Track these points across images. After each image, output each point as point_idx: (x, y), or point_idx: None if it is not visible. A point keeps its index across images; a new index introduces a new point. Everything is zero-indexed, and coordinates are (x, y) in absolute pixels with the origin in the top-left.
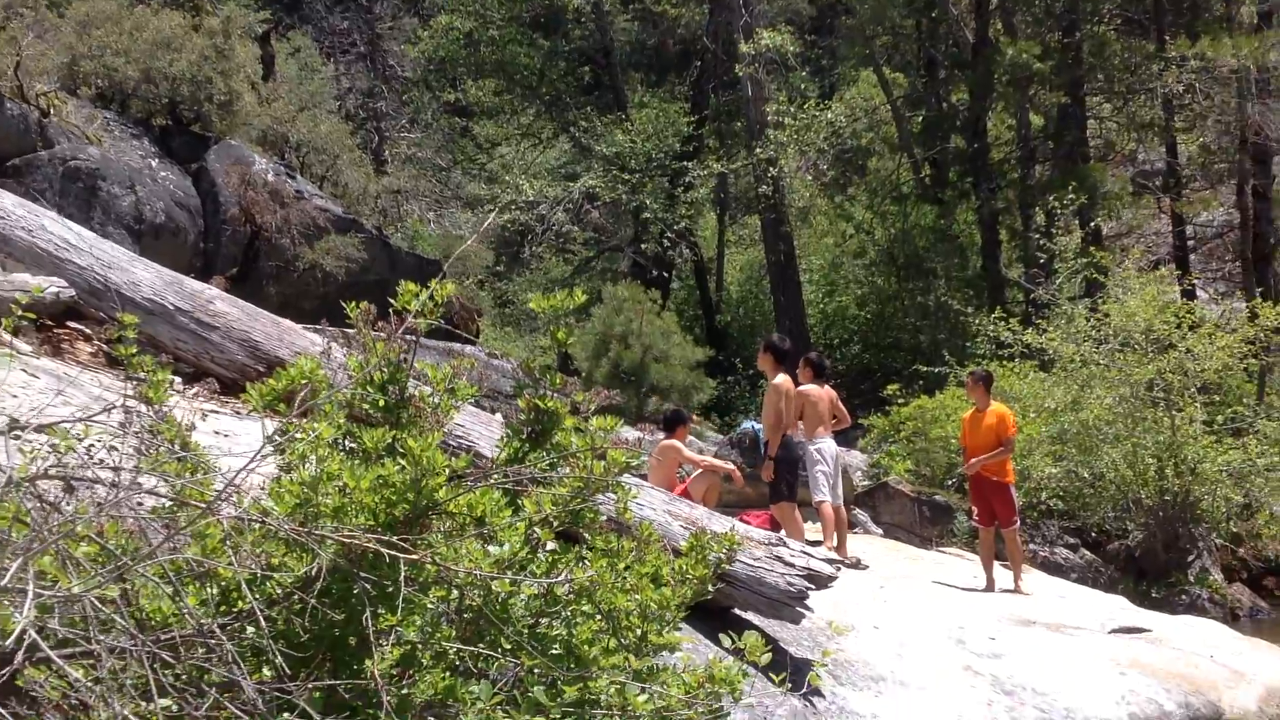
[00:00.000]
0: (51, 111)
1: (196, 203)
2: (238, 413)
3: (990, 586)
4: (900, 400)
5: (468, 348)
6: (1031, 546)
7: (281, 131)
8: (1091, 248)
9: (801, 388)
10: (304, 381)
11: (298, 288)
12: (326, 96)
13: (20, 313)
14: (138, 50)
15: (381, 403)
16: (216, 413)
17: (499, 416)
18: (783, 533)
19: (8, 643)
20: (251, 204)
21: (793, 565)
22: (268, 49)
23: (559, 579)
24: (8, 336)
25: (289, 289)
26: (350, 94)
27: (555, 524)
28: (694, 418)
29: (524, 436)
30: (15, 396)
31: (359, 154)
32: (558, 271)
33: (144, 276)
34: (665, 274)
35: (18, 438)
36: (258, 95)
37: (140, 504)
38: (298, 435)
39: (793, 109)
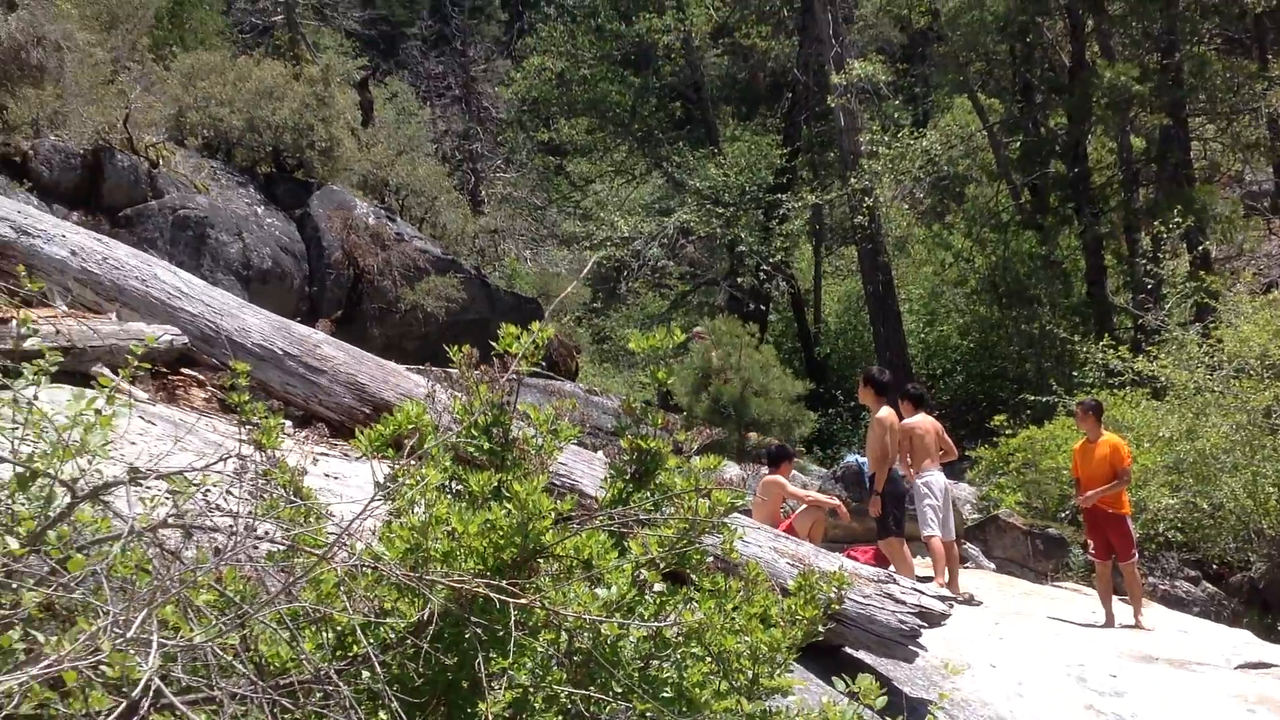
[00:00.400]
0: (160, 162)
1: (301, 247)
2: (346, 455)
3: (1109, 622)
4: (1008, 431)
5: (567, 385)
6: (1150, 580)
7: (381, 175)
8: (1201, 271)
9: (907, 421)
10: (411, 427)
11: (400, 328)
12: (424, 140)
13: (136, 363)
14: (242, 100)
15: (486, 446)
16: (326, 455)
17: (600, 455)
18: (891, 569)
19: (135, 693)
20: (354, 247)
21: (904, 603)
22: (366, 95)
23: (668, 621)
24: (125, 385)
25: (392, 330)
26: (446, 136)
27: (662, 565)
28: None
29: (627, 477)
30: (134, 443)
31: (456, 195)
32: (654, 307)
33: (253, 322)
34: (762, 307)
35: (138, 485)
36: (358, 141)
37: (256, 548)
38: (406, 480)
39: (887, 138)
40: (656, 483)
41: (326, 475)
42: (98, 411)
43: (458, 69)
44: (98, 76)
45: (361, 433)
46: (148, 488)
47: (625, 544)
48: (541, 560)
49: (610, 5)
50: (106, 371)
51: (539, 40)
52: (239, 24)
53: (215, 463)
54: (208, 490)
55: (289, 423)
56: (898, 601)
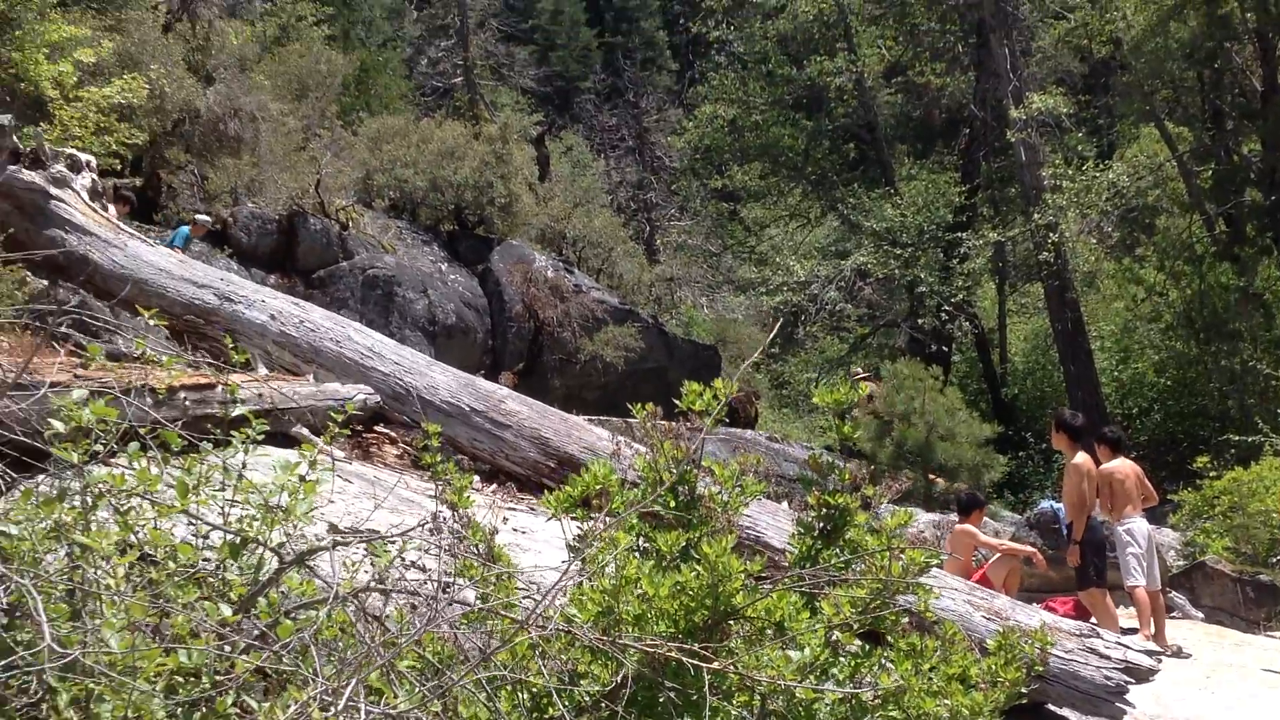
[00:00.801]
0: (350, 224)
1: (483, 302)
2: (533, 509)
3: None
4: (1212, 473)
5: (747, 433)
6: None
7: (559, 228)
8: None
9: (1105, 466)
10: (598, 487)
11: (580, 379)
12: (599, 191)
13: (336, 429)
14: (425, 161)
15: (673, 504)
16: (514, 509)
17: (785, 506)
18: (1094, 621)
19: None
20: (534, 300)
21: (1108, 657)
22: (542, 150)
23: (863, 684)
24: (324, 444)
25: (572, 380)
26: (621, 187)
27: (856, 626)
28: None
29: (816, 534)
30: (332, 502)
31: (632, 245)
32: (833, 350)
33: (441, 380)
34: (945, 348)
35: (338, 544)
36: (535, 195)
37: (451, 606)
38: (595, 539)
39: (1070, 171)
40: (846, 539)
41: (515, 530)
42: (301, 478)
43: (630, 120)
44: (290, 144)
45: (548, 490)
46: (346, 545)
47: (817, 604)
48: (733, 622)
49: (781, 50)
50: (306, 432)
51: (710, 89)
52: (421, 87)
53: (413, 529)
54: (402, 548)
55: (477, 478)
56: (1102, 656)
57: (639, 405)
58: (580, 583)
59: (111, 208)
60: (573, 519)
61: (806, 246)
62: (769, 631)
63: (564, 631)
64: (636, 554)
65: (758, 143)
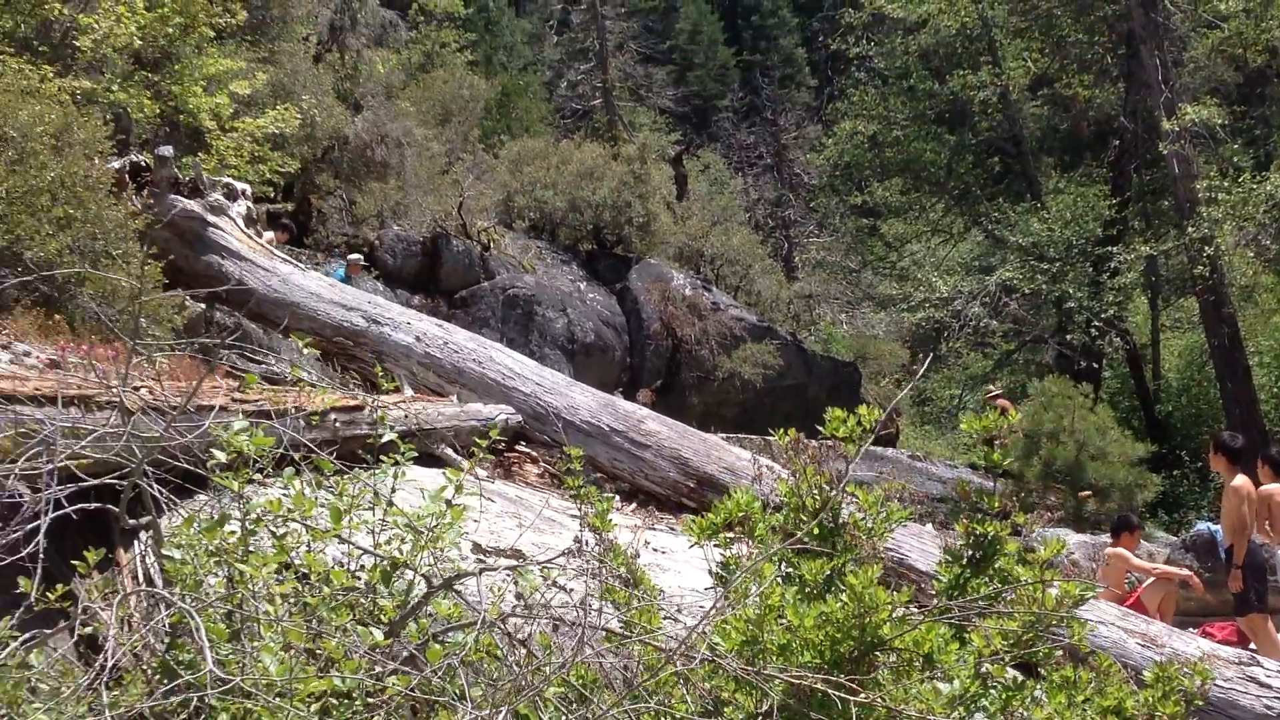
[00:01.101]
0: (491, 245)
1: (621, 320)
2: (673, 529)
3: None
4: None
5: (889, 450)
6: None
7: (696, 246)
8: None
9: (1265, 488)
10: (740, 514)
11: (718, 396)
12: (737, 209)
13: (482, 453)
14: (564, 182)
15: (816, 531)
16: (654, 530)
17: (929, 528)
18: (1253, 648)
19: None
20: (671, 318)
21: (1269, 686)
22: (680, 169)
23: (1015, 718)
24: (466, 465)
25: (710, 398)
26: (759, 204)
27: (1006, 658)
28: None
29: (964, 562)
30: (476, 521)
31: (770, 262)
32: (977, 367)
33: (581, 400)
34: (1094, 364)
35: (484, 569)
36: (673, 214)
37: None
38: (738, 566)
39: (1226, 183)
40: (995, 568)
41: (655, 550)
42: (448, 503)
43: (769, 138)
44: (434, 168)
45: (687, 510)
46: (494, 569)
47: (966, 635)
48: (880, 653)
49: (922, 65)
50: (450, 452)
51: (850, 105)
52: (560, 109)
53: (556, 557)
54: (545, 568)
55: (617, 497)
56: (1262, 685)
57: (780, 431)
58: (724, 611)
59: (269, 234)
60: (715, 546)
61: (949, 262)
62: (917, 663)
63: (708, 660)
64: (780, 580)
65: (899, 158)
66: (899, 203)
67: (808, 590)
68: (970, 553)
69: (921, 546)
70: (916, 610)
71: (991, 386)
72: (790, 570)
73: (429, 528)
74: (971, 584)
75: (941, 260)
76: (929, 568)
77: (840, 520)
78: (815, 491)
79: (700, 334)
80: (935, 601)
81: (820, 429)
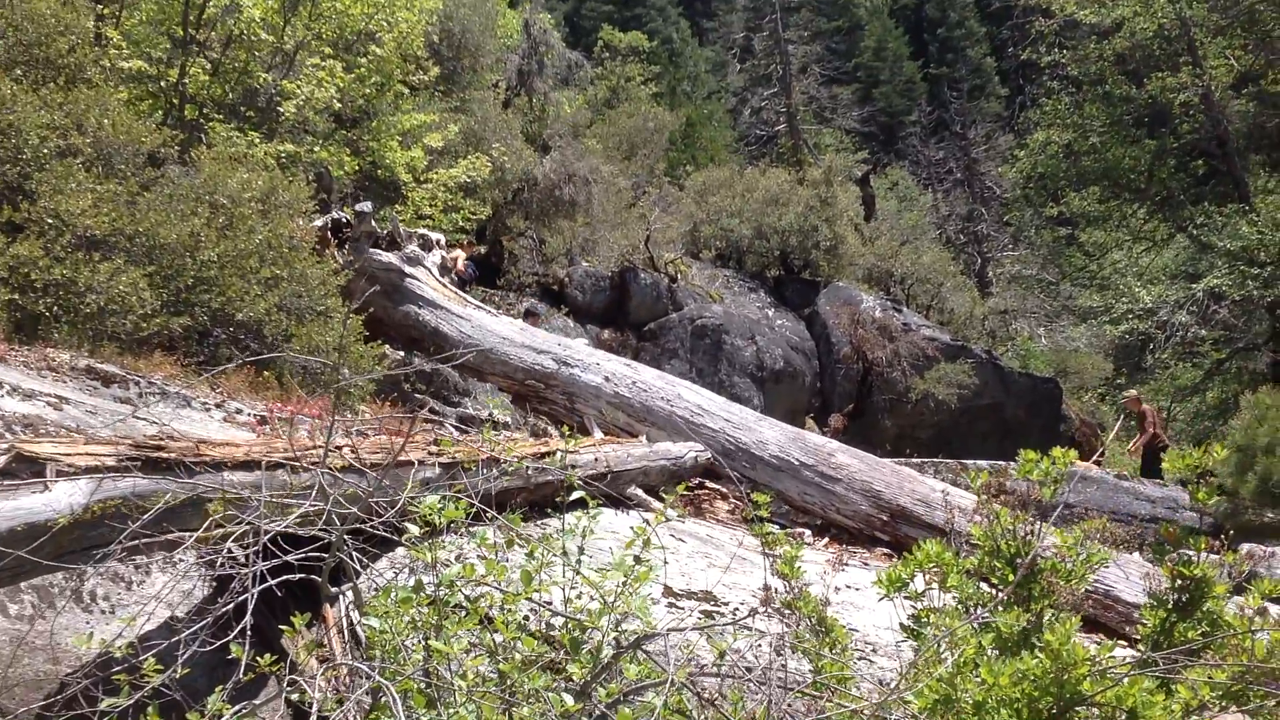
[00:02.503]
0: (678, 276)
1: (810, 345)
2: (866, 564)
3: None
4: None
5: (1092, 470)
6: None
7: (885, 267)
8: None
9: None
10: (931, 564)
11: (911, 418)
12: (927, 226)
13: (674, 500)
14: (750, 209)
15: (1010, 578)
16: (846, 565)
17: (1136, 556)
18: None
19: None
20: (862, 341)
21: None
22: (867, 189)
23: None
24: (658, 508)
25: (903, 420)
26: (950, 220)
27: (1214, 710)
28: None
29: (1170, 606)
30: (666, 562)
31: (962, 278)
32: (1186, 378)
33: (769, 435)
34: None
35: (673, 606)
36: (860, 235)
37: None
38: (929, 620)
39: None
40: (1204, 610)
41: (847, 586)
42: (637, 558)
43: (958, 151)
44: (620, 203)
45: (883, 548)
46: (680, 608)
47: (1171, 686)
48: (1081, 709)
49: (1118, 69)
50: (640, 493)
51: (1043, 114)
52: (744, 137)
53: (745, 617)
54: (736, 610)
55: (808, 531)
56: None
57: (972, 473)
58: (917, 670)
59: (458, 252)
60: (906, 598)
61: (1152, 270)
62: (1120, 718)
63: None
64: (975, 626)
65: (1096, 166)
66: (1097, 211)
67: (1004, 640)
68: (1176, 596)
69: (1124, 575)
70: (1118, 662)
71: (1131, 391)
72: (986, 616)
73: (619, 584)
74: (1178, 629)
75: (1145, 269)
76: (1135, 598)
77: (1037, 569)
78: (1010, 537)
79: (892, 356)
80: (1139, 646)
81: (1020, 450)
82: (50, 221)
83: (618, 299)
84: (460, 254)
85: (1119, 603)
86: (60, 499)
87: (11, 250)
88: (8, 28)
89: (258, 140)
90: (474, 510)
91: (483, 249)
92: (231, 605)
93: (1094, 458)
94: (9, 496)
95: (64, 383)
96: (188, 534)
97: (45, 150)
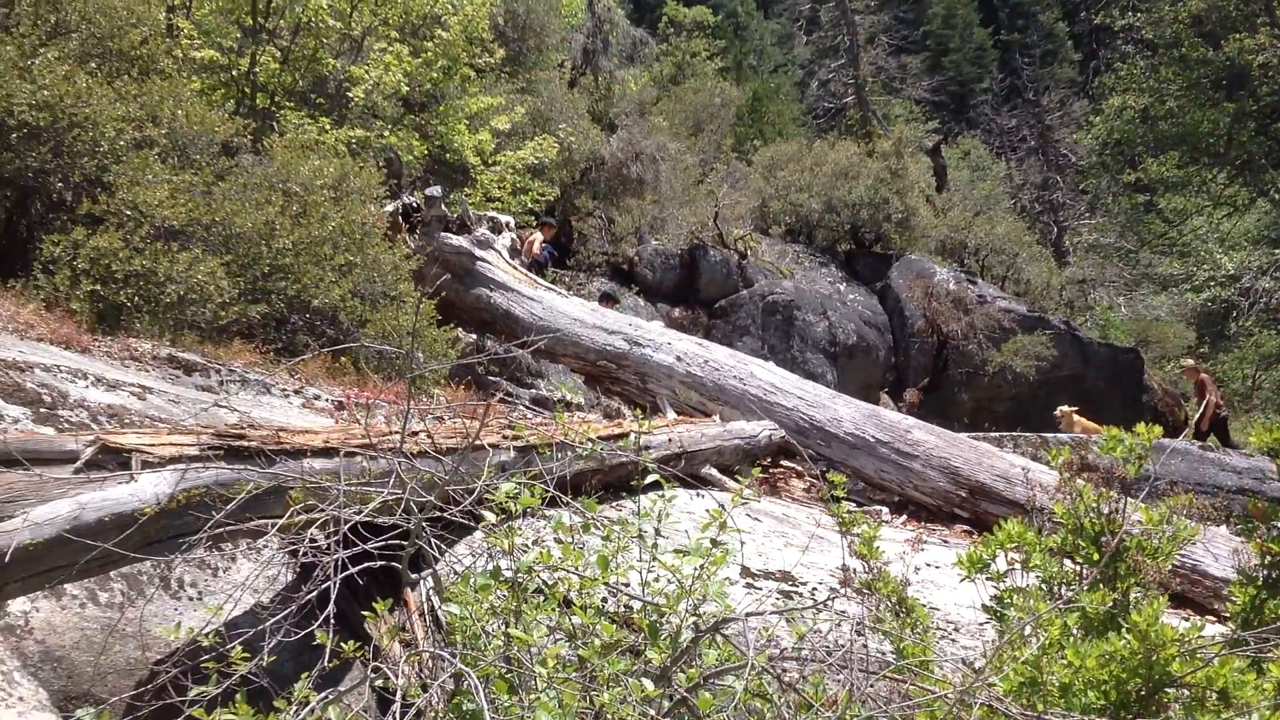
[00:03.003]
0: (748, 252)
1: (884, 319)
2: (945, 541)
3: None
4: None
5: (1176, 442)
6: None
7: (959, 238)
8: None
9: None
10: (1013, 544)
11: (989, 391)
12: (1000, 196)
13: (751, 479)
14: (819, 184)
15: (1095, 557)
16: (924, 543)
17: (1223, 529)
18: None
19: None
20: (936, 314)
21: None
22: (939, 160)
23: None
24: (734, 487)
25: (980, 393)
26: (1024, 189)
27: None
28: None
29: (1260, 584)
30: (743, 542)
31: (1039, 248)
32: (1270, 345)
33: (844, 412)
34: None
35: (751, 587)
36: (932, 207)
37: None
38: (1011, 600)
39: None
40: None
41: (926, 565)
42: (714, 542)
43: (1031, 119)
44: (688, 180)
45: (962, 525)
46: (757, 589)
47: (1263, 666)
48: (1170, 690)
49: (1195, 32)
50: (715, 473)
51: (1118, 79)
52: (812, 110)
53: (824, 602)
54: (814, 589)
55: (885, 509)
56: None
57: (1054, 451)
58: (1000, 648)
59: (536, 234)
60: (988, 579)
61: (1234, 236)
62: (1211, 698)
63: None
64: (1059, 606)
65: (1174, 130)
66: (1176, 177)
67: (1090, 620)
68: (1266, 573)
69: (1214, 550)
70: (1208, 642)
71: (1188, 360)
72: (1070, 594)
73: (696, 568)
74: (1269, 606)
75: (1226, 234)
76: (1223, 573)
77: (1123, 547)
78: (1094, 515)
79: (967, 328)
80: (1229, 624)
81: (1102, 421)
82: (129, 213)
83: (688, 277)
84: (538, 236)
85: (1206, 577)
86: (146, 489)
87: (92, 242)
88: (81, 21)
89: (328, 126)
90: (549, 496)
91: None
92: (315, 593)
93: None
94: (97, 488)
95: (147, 372)
96: (269, 521)
97: (122, 142)
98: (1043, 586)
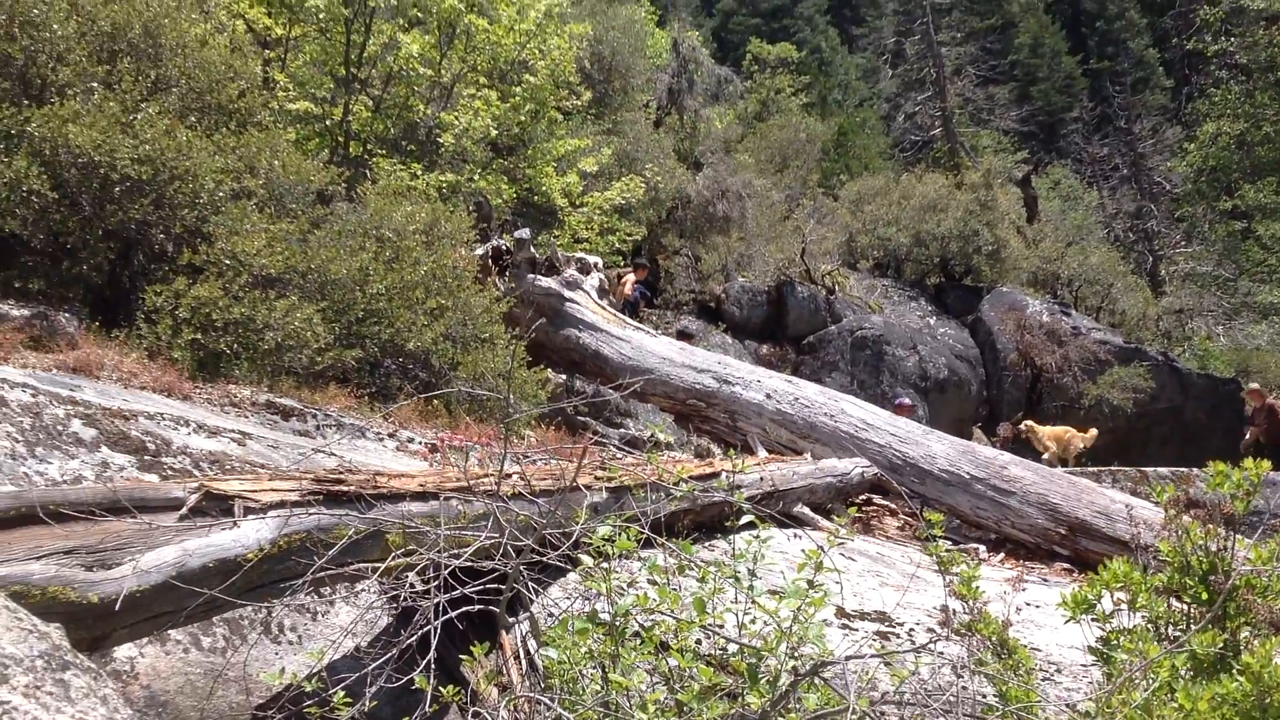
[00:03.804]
0: (836, 287)
1: (975, 353)
2: (1044, 579)
3: None
4: None
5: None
6: None
7: (1051, 269)
8: None
9: None
10: (1119, 584)
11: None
12: (1093, 225)
13: (846, 518)
14: (907, 217)
15: (1204, 595)
16: (1024, 580)
17: None
18: None
19: None
20: (1029, 346)
21: None
22: (1029, 190)
23: None
24: (826, 524)
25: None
26: (1117, 218)
27: None
28: None
29: None
30: (837, 583)
31: (1133, 278)
32: None
33: (938, 448)
34: None
35: (847, 628)
36: (1023, 238)
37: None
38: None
39: None
40: None
41: (1027, 604)
42: (810, 583)
43: (1123, 147)
44: (774, 216)
45: (1062, 563)
46: (853, 629)
47: None
48: None
49: None
50: (807, 511)
51: (1212, 105)
52: (899, 142)
53: (924, 645)
54: (911, 630)
55: (982, 547)
56: None
57: (1157, 487)
58: (1108, 693)
59: (630, 275)
60: (1093, 620)
61: None
62: None
63: None
64: (1166, 644)
65: (1270, 156)
66: (1274, 203)
67: (1200, 662)
68: None
69: None
70: None
71: (1254, 384)
72: (1178, 634)
73: (793, 610)
74: None
75: None
76: None
77: (1232, 587)
78: (1201, 552)
79: (1061, 361)
80: None
81: (1202, 455)
82: (228, 262)
83: (775, 313)
84: (631, 277)
85: None
86: (249, 535)
87: (193, 291)
88: (181, 76)
89: (419, 172)
90: (644, 538)
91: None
92: (415, 637)
93: None
94: (202, 534)
95: (246, 418)
96: (367, 565)
97: (221, 194)
98: (1149, 627)
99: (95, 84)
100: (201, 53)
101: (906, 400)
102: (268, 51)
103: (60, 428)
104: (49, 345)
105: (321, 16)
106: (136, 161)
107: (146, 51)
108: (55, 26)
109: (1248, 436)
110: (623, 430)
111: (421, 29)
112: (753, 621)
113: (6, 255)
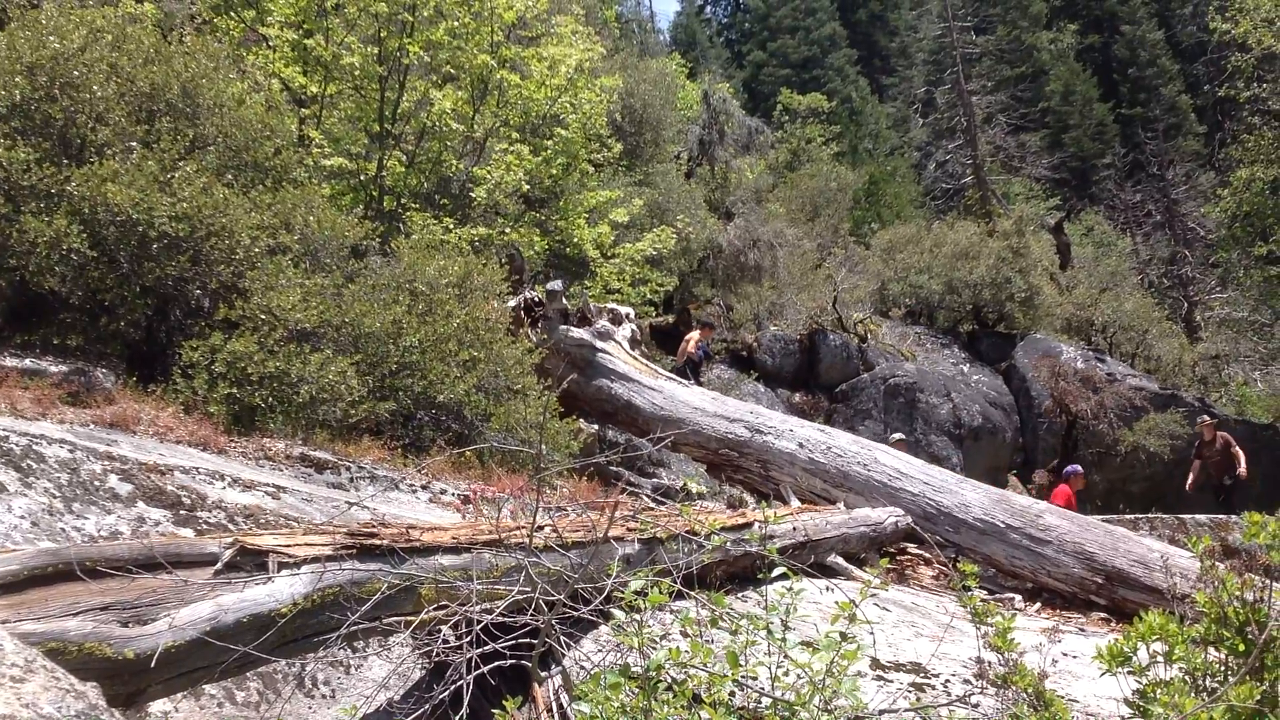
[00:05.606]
0: (868, 335)
1: (1009, 400)
2: (1082, 629)
3: None
4: None
5: None
6: None
7: (1085, 316)
8: None
9: None
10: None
11: (1122, 472)
12: (1127, 272)
13: (877, 570)
14: (939, 265)
15: (1241, 647)
16: (1062, 630)
17: None
18: None
19: None
20: (1063, 393)
21: None
22: (1062, 237)
23: None
24: (859, 574)
25: (1113, 474)
26: (1151, 264)
27: None
28: None
29: None
30: (871, 634)
31: (1169, 324)
32: None
33: (972, 497)
34: None
35: (881, 679)
36: (1057, 285)
37: None
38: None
39: None
40: None
41: (1064, 655)
42: (843, 635)
43: (1156, 193)
44: (806, 264)
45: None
46: (888, 680)
47: None
48: None
49: None
50: (841, 561)
51: (1245, 150)
52: (930, 191)
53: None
54: (946, 682)
55: (1018, 597)
56: None
57: (1193, 539)
58: None
59: (694, 334)
60: (1129, 673)
61: None
62: None
63: None
64: (1203, 698)
65: None
66: None
67: (1237, 715)
68: None
69: None
70: None
71: (1205, 417)
72: (1215, 685)
73: (826, 664)
74: None
75: None
76: None
77: (1270, 638)
78: (1239, 603)
79: (1096, 408)
80: None
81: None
82: (264, 317)
83: (807, 362)
84: (694, 335)
85: None
86: (283, 590)
87: (229, 346)
88: (218, 135)
89: (452, 226)
90: (676, 590)
91: (670, 318)
92: (448, 691)
93: None
94: (236, 589)
95: (280, 471)
96: (400, 619)
97: (257, 249)
98: (1186, 679)
99: (134, 143)
100: (238, 111)
101: (900, 436)
102: (303, 109)
103: (97, 483)
104: (86, 400)
105: (356, 74)
106: (174, 219)
107: (184, 111)
108: (95, 88)
109: (1194, 472)
110: (655, 480)
111: (454, 85)
112: (786, 674)
113: (46, 312)
